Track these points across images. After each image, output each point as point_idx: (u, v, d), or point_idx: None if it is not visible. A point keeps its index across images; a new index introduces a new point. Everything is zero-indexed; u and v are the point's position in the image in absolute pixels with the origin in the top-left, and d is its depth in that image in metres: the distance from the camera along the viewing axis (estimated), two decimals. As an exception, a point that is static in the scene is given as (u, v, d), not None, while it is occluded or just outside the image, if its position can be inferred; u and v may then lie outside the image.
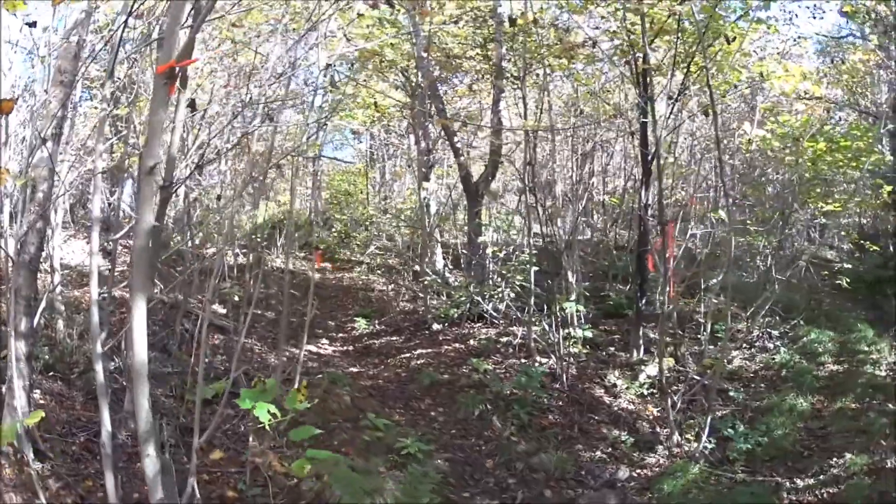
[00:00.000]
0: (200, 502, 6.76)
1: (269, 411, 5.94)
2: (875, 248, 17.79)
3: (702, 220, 18.84)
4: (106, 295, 9.18)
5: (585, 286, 17.09)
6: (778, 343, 15.36)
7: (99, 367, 6.32)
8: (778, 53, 16.29)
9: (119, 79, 11.15)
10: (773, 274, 15.79)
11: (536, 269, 14.51)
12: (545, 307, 14.18)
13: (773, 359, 14.60)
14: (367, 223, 26.26)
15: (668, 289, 12.36)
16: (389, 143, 30.71)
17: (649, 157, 13.55)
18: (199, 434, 6.65)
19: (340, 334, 17.22)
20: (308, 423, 9.34)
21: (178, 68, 4.76)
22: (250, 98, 11.61)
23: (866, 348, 14.51)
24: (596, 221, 25.19)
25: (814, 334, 15.27)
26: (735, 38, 12.81)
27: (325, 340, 16.39)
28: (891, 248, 20.91)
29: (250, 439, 8.53)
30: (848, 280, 16.22)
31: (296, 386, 7.04)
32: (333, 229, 27.98)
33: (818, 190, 15.45)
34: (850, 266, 18.05)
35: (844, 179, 15.54)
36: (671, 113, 14.56)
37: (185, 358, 11.14)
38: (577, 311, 14.60)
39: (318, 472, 8.02)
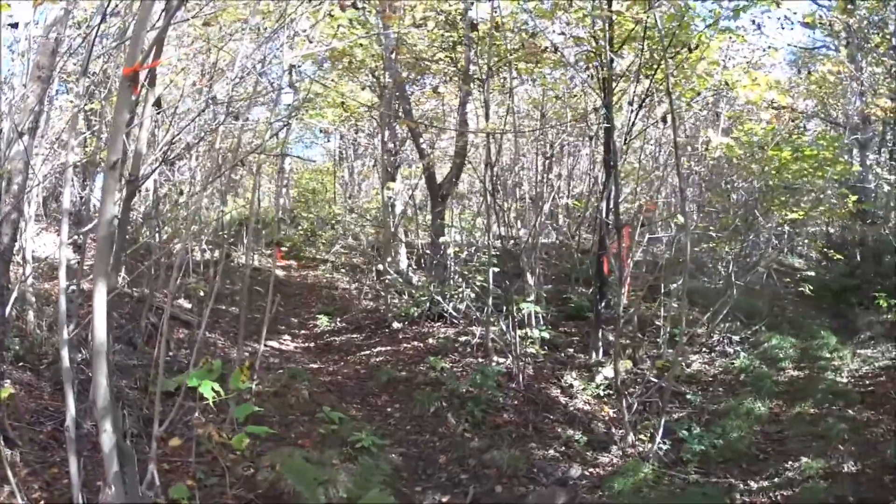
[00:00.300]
0: (160, 489, 6.96)
1: (213, 389, 6.15)
2: (838, 256, 18.07)
3: (667, 224, 19.04)
4: (74, 287, 9.34)
5: (548, 288, 17.32)
6: (738, 348, 15.59)
7: (65, 354, 6.49)
8: (747, 63, 16.49)
9: (95, 73, 11.32)
10: (733, 279, 16.02)
11: (497, 270, 14.65)
12: (504, 308, 14.32)
13: (733, 363, 14.80)
14: (334, 222, 26.41)
15: (623, 291, 12.55)
16: (358, 142, 30.81)
17: (611, 163, 13.74)
18: (158, 423, 6.85)
19: (303, 331, 17.34)
20: (267, 416, 9.62)
21: (143, 70, 4.98)
22: (214, 96, 11.77)
23: (828, 355, 14.77)
24: (561, 225, 25.33)
25: (775, 340, 15.51)
26: (697, 46, 13.03)
27: (287, 337, 16.51)
28: (857, 258, 21.26)
29: (196, 414, 8.71)
30: (811, 288, 16.44)
31: (254, 378, 7.24)
32: (300, 227, 28.12)
33: (782, 198, 15.66)
34: (814, 274, 18.32)
35: (812, 188, 15.74)
36: (634, 119, 14.78)
37: (150, 351, 11.27)
38: (536, 312, 14.79)
39: (272, 462, 8.25)
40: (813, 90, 23.19)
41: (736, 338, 16.02)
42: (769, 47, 17.32)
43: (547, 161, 20.57)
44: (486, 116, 14.09)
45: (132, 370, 10.70)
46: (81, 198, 14.95)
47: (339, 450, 9.37)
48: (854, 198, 15.71)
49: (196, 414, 8.69)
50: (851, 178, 18.26)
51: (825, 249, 20.11)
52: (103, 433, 5.04)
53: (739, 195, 20.40)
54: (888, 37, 16.25)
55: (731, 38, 13.91)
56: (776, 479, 9.69)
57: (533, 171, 21.38)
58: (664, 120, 13.63)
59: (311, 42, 11.99)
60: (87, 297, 11.16)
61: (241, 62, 10.55)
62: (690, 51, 12.94)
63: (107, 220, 4.91)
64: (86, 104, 9.76)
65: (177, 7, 5.75)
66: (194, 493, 7.67)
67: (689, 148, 18.60)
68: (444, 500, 9.06)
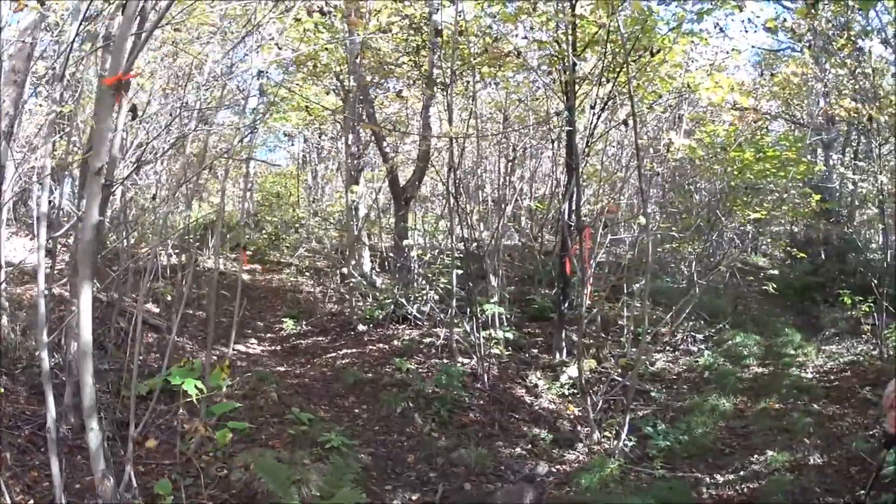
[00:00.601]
0: (137, 490, 7.07)
1: (195, 386, 6.28)
2: (802, 255, 18.34)
3: (629, 225, 19.21)
4: (46, 292, 9.40)
5: (511, 290, 17.42)
6: (702, 346, 15.81)
7: (44, 356, 6.59)
8: (710, 65, 16.66)
9: (64, 77, 11.39)
10: (696, 279, 16.22)
11: (460, 272, 14.78)
12: (468, 309, 14.46)
13: (697, 361, 15.04)
14: (298, 226, 26.43)
15: (585, 291, 12.68)
16: (322, 146, 30.79)
17: (573, 165, 13.88)
18: (134, 426, 6.96)
19: (269, 334, 17.34)
20: (237, 418, 9.73)
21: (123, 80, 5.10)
22: (186, 102, 11.84)
23: (793, 352, 15.05)
24: (524, 227, 25.44)
25: (739, 338, 15.77)
26: (659, 50, 13.19)
27: (253, 340, 16.51)
28: (822, 256, 21.55)
29: (180, 411, 8.83)
30: (775, 286, 16.65)
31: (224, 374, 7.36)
32: (264, 231, 28.12)
33: (745, 198, 15.85)
34: (777, 272, 18.55)
35: (776, 188, 15.95)
36: (596, 122, 14.92)
37: (121, 355, 11.32)
38: (499, 313, 14.92)
39: (245, 463, 8.38)
40: (776, 91, 23.43)
41: (700, 336, 16.25)
42: (732, 50, 17.49)
43: (509, 164, 20.66)
44: (450, 120, 14.19)
45: (104, 374, 10.73)
46: (50, 202, 14.95)
47: (309, 450, 9.46)
48: (818, 197, 15.92)
49: (180, 410, 8.83)
50: (815, 177, 18.50)
51: (789, 248, 20.36)
52: (90, 431, 5.15)
53: (702, 196, 20.64)
54: (852, 39, 16.44)
55: (694, 41, 14.08)
56: (742, 473, 9.93)
57: (495, 173, 21.50)
58: (626, 122, 13.77)
59: (279, 48, 12.07)
60: (57, 301, 11.26)
61: (211, 67, 10.63)
62: (653, 54, 13.09)
63: (91, 225, 5.04)
64: (60, 110, 9.80)
65: (156, 22, 5.87)
66: (172, 493, 7.80)
67: (652, 150, 18.76)
68: (413, 497, 9.19)
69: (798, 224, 25.34)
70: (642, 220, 13.03)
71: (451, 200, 14.05)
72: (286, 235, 27.21)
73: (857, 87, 18.43)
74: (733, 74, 18.09)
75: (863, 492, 8.49)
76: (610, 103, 15.01)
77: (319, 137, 28.53)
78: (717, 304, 18.41)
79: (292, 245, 26.22)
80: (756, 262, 25.49)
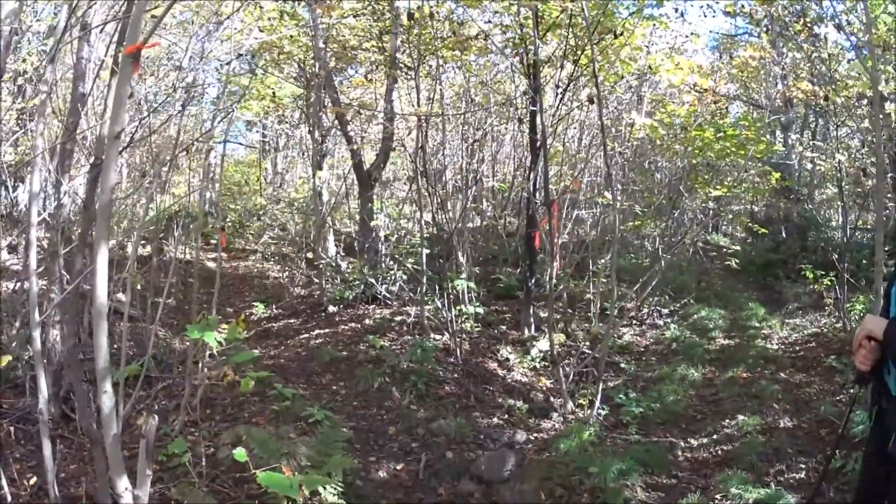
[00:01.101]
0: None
1: (215, 339, 6.44)
2: (763, 230, 18.69)
3: (592, 204, 19.45)
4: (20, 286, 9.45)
5: (476, 270, 17.62)
6: (668, 320, 16.11)
7: (36, 335, 6.70)
8: (669, 48, 16.92)
9: (27, 71, 11.45)
10: (660, 254, 16.48)
11: (427, 251, 14.94)
12: (437, 286, 14.63)
13: (664, 335, 15.35)
14: (261, 213, 26.55)
15: (554, 264, 12.89)
16: (283, 133, 30.85)
17: (538, 144, 14.07)
18: (123, 405, 7.08)
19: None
20: (218, 399, 9.89)
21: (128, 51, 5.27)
22: (175, 86, 11.95)
23: (757, 325, 15.44)
24: (486, 209, 25.61)
25: (704, 312, 16.11)
26: (622, 33, 13.43)
27: (225, 326, 16.62)
28: (783, 234, 21.95)
29: (199, 366, 8.96)
30: (738, 262, 16.97)
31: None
32: (227, 220, 28.16)
33: (706, 176, 16.14)
34: (739, 248, 18.91)
35: (735, 167, 16.26)
36: (560, 102, 15.16)
37: (96, 344, 11.41)
38: (469, 288, 15.18)
39: (232, 440, 8.55)
40: (735, 74, 23.82)
41: (665, 311, 16.54)
42: (691, 34, 17.74)
43: (471, 147, 20.82)
44: (418, 102, 14.36)
45: (80, 364, 10.83)
46: (12, 200, 14.97)
47: (293, 425, 9.61)
48: (777, 175, 16.25)
49: (200, 365, 8.97)
50: (775, 156, 18.84)
51: (750, 225, 20.70)
52: (103, 394, 5.20)
53: (663, 175, 20.92)
54: (808, 25, 16.79)
55: (654, 24, 14.36)
56: (715, 436, 10.24)
57: (457, 157, 21.67)
58: (591, 101, 13.99)
59: (261, 31, 12.20)
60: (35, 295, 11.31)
61: (190, 55, 10.74)
62: (616, 36, 13.34)
63: (109, 186, 5.18)
64: (50, 92, 9.87)
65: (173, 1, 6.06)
66: (160, 475, 7.94)
67: (613, 130, 19.01)
68: (398, 467, 9.35)
69: (758, 203, 25.75)
70: (608, 196, 13.24)
71: (420, 180, 14.21)
72: (249, 223, 27.30)
73: (813, 70, 18.79)
74: (692, 57, 18.40)
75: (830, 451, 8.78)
76: (573, 84, 15.25)
77: (280, 125, 28.64)
78: (681, 280, 18.74)
79: (256, 232, 26.33)
80: (717, 242, 25.85)
